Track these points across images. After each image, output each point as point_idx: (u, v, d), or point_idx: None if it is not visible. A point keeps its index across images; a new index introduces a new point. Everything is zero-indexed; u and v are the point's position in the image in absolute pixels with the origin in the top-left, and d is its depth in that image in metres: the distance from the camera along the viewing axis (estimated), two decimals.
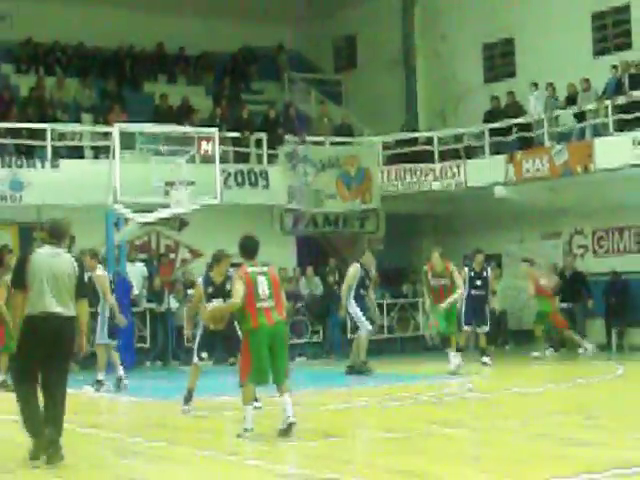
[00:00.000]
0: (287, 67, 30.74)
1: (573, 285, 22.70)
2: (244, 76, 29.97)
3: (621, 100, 22.02)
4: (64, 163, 22.02)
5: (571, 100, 23.40)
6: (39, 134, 22.25)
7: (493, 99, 25.54)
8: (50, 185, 21.34)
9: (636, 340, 22.80)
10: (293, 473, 8.80)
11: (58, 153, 22.29)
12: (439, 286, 17.57)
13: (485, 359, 19.19)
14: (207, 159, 21.16)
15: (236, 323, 11.98)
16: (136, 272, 21.86)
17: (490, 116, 25.08)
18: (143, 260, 23.14)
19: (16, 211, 21.64)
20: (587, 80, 23.08)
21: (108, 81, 26.68)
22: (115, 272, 19.22)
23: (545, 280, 21.72)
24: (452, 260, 18.53)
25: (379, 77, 29.39)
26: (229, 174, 23.43)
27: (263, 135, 24.57)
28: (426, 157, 25.35)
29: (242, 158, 24.47)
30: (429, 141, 25.71)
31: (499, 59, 27.70)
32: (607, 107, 22.11)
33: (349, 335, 22.25)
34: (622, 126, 21.88)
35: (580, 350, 21.36)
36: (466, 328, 18.77)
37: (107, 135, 21.67)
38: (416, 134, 26.80)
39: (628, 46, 24.38)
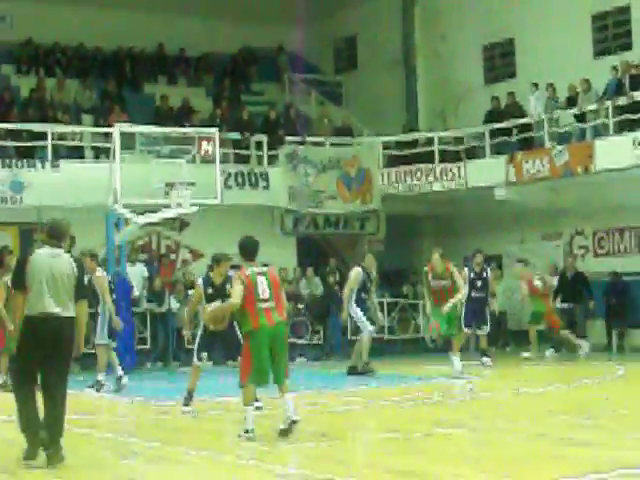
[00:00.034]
0: (287, 68, 30.75)
1: (574, 286, 22.68)
2: (244, 77, 29.99)
3: (622, 101, 22.02)
4: (64, 164, 22.04)
5: (571, 101, 23.40)
6: (39, 135, 22.26)
7: (493, 100, 25.54)
8: (50, 186, 21.35)
9: (636, 341, 22.80)
10: (294, 474, 8.80)
11: (58, 154, 22.32)
12: (439, 287, 17.49)
13: (485, 360, 19.19)
14: (207, 160, 21.16)
15: (236, 325, 12.01)
16: (136, 273, 21.86)
17: (490, 117, 25.09)
18: (143, 261, 23.14)
19: (16, 212, 21.64)
20: (587, 81, 23.08)
21: (108, 82, 26.69)
22: (115, 273, 19.22)
23: (539, 281, 21.74)
24: (452, 261, 18.50)
25: (379, 78, 29.40)
26: (229, 175, 23.45)
27: (263, 136, 24.59)
28: (426, 158, 25.36)
29: (242, 159, 24.49)
30: (429, 142, 25.72)
31: (499, 59, 27.71)
32: (607, 108, 22.11)
33: (349, 336, 22.34)
34: (622, 127, 21.88)
35: (580, 352, 21.34)
36: (466, 330, 18.72)
37: (107, 136, 21.69)
38: (416, 135, 26.82)
39: (628, 47, 24.37)
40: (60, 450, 9.01)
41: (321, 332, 23.55)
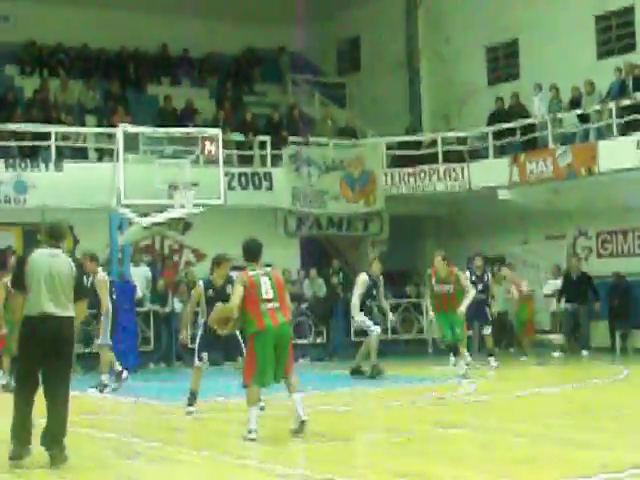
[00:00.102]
0: (288, 69, 30.75)
1: (579, 287, 22.67)
2: (247, 78, 30.01)
3: (625, 102, 22.01)
4: (68, 165, 22.07)
5: (575, 102, 23.39)
6: (43, 136, 22.28)
7: (497, 101, 25.54)
8: (54, 187, 21.38)
9: None
10: (297, 474, 8.79)
11: (62, 155, 22.35)
12: (442, 293, 17.38)
13: (491, 359, 19.19)
14: (211, 161, 21.17)
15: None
16: (140, 274, 21.88)
17: (494, 118, 25.08)
18: (147, 262, 23.14)
19: (20, 213, 21.68)
20: (591, 82, 23.07)
21: (112, 83, 26.71)
22: (118, 274, 19.23)
23: (525, 285, 21.92)
24: (455, 262, 18.48)
25: (383, 79, 29.41)
26: (233, 176, 23.46)
27: (267, 137, 24.60)
28: (430, 159, 25.35)
29: (246, 160, 24.50)
30: (433, 143, 25.71)
31: (503, 61, 27.71)
32: (611, 109, 22.10)
33: (352, 337, 22.35)
34: (626, 128, 21.86)
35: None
36: (469, 333, 18.73)
37: (111, 137, 21.73)
38: (420, 136, 26.82)
39: (632, 48, 24.37)
40: (63, 450, 9.01)
41: (324, 333, 23.57)
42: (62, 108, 24.66)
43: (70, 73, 27.12)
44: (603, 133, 22.45)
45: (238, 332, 12.02)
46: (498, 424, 11.58)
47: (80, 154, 23.10)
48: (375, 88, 29.58)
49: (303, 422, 10.36)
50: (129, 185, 19.44)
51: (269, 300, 10.47)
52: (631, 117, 21.78)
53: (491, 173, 23.99)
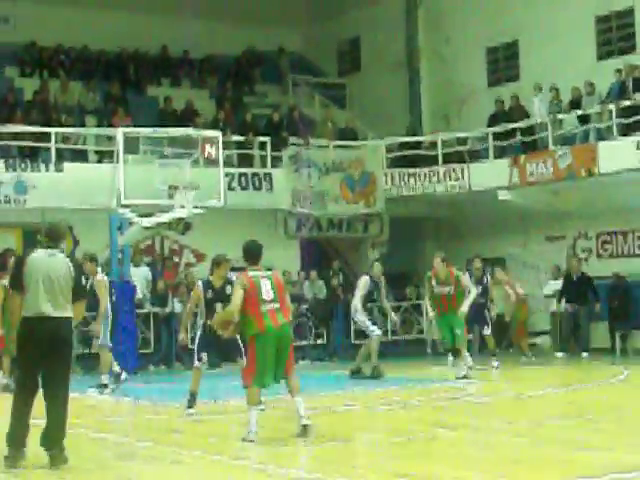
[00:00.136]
0: (288, 70, 30.76)
1: (579, 288, 22.67)
2: (248, 79, 30.01)
3: (625, 103, 22.01)
4: (68, 166, 22.05)
5: (575, 103, 23.39)
6: (43, 137, 22.27)
7: (497, 102, 25.53)
8: (54, 188, 21.36)
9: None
10: (297, 476, 8.79)
11: (62, 156, 22.33)
12: (442, 295, 17.41)
13: (492, 359, 19.20)
14: (211, 162, 21.16)
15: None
16: (140, 275, 21.88)
17: (494, 119, 25.07)
18: (147, 263, 23.14)
19: (20, 214, 21.65)
20: (591, 83, 23.07)
21: (112, 84, 26.71)
22: (118, 275, 19.22)
23: (519, 288, 22.00)
24: (455, 264, 18.49)
25: (383, 80, 29.41)
26: (233, 177, 23.45)
27: (267, 138, 24.60)
28: (430, 160, 25.35)
29: (246, 161, 24.49)
30: (433, 144, 25.71)
31: (503, 62, 27.70)
32: (611, 110, 22.10)
33: (353, 339, 22.34)
34: (626, 130, 21.85)
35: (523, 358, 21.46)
36: (469, 336, 18.72)
37: (111, 138, 21.71)
38: (420, 137, 26.82)
39: (632, 49, 24.35)
40: (63, 451, 9.02)
41: (324, 334, 23.56)
42: (62, 109, 24.66)
43: (70, 74, 27.14)
44: (603, 134, 22.45)
45: (237, 337, 12.03)
46: (498, 425, 11.58)
47: (80, 155, 23.07)
48: (375, 89, 29.58)
49: (305, 426, 10.38)
50: (129, 186, 19.43)
51: (269, 301, 10.47)
52: (631, 118, 21.77)
53: (491, 174, 23.97)
